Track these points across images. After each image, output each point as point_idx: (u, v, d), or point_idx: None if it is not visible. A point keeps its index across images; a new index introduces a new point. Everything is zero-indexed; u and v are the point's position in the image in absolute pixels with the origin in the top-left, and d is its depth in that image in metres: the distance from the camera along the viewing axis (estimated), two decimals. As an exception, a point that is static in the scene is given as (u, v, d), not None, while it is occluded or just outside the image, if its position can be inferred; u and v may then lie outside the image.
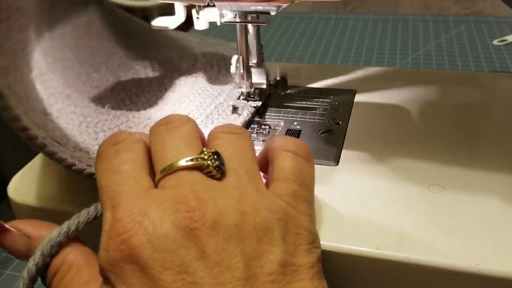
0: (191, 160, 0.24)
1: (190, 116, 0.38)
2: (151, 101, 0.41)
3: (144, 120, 0.38)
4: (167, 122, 0.27)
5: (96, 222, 0.26)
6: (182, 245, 0.21)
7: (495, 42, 0.73)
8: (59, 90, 0.36)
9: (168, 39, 0.48)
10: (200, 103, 0.40)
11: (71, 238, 0.26)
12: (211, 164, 0.24)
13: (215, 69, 0.45)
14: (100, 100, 0.39)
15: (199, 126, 0.36)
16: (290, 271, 0.22)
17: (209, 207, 0.22)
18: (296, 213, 0.24)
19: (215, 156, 0.24)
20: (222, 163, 0.24)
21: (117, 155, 0.25)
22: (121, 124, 0.37)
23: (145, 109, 0.40)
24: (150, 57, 0.46)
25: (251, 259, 0.21)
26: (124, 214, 0.22)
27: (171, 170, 0.24)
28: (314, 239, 0.24)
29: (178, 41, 0.48)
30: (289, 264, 0.22)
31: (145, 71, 0.45)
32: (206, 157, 0.24)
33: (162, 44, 0.48)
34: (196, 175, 0.24)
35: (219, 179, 0.24)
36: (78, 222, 0.26)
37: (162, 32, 0.47)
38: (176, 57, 0.46)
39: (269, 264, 0.21)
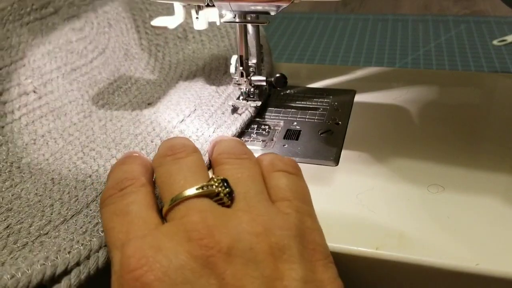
0: (201, 188, 0.23)
1: (191, 115, 0.38)
2: (151, 100, 0.41)
3: (136, 116, 0.38)
4: (173, 152, 0.26)
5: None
6: (201, 274, 0.20)
7: (495, 42, 0.73)
8: None
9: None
10: (202, 103, 0.40)
11: None
12: (221, 191, 0.24)
13: (218, 70, 0.45)
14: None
15: (202, 126, 0.36)
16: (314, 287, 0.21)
17: (222, 233, 0.21)
18: (307, 229, 0.24)
19: (225, 184, 0.24)
20: (232, 190, 0.24)
21: (124, 197, 0.24)
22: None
23: (145, 107, 0.39)
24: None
25: (273, 280, 0.21)
26: (135, 251, 0.21)
27: (179, 199, 0.23)
28: (328, 254, 0.24)
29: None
30: (312, 280, 0.22)
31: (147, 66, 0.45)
32: (216, 184, 0.24)
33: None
34: (206, 203, 0.23)
35: (229, 206, 0.24)
36: None
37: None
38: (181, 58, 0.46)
39: (293, 283, 0.21)
